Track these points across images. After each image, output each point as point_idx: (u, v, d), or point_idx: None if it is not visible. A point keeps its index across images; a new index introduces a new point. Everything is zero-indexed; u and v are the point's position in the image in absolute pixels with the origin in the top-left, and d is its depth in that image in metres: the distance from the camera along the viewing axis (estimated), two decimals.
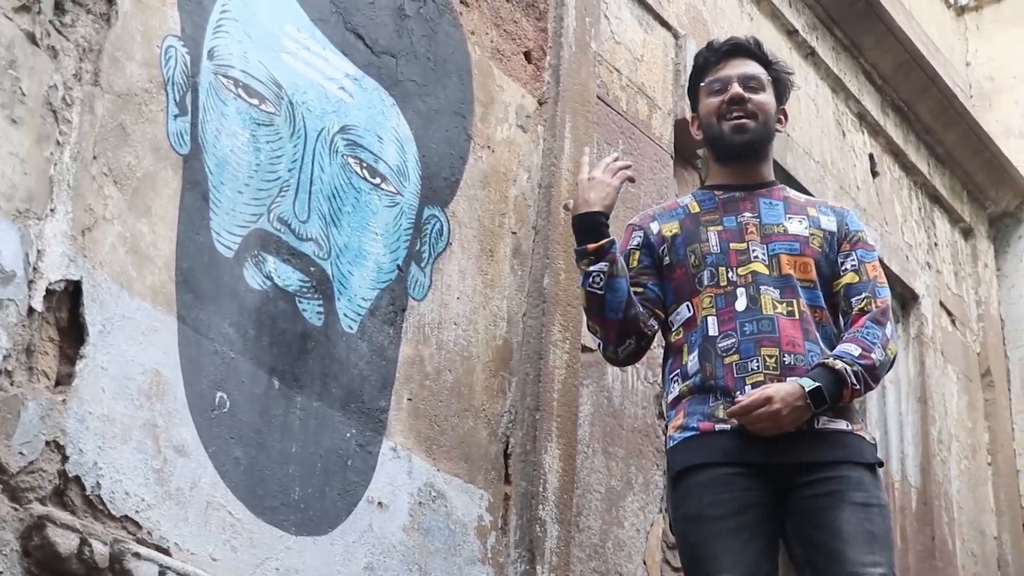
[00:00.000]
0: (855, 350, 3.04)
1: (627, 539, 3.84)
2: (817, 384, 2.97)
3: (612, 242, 3.16)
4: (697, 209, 3.27)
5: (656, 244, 3.26)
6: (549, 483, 3.56)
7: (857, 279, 3.18)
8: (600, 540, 3.74)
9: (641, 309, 3.18)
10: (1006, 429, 6.43)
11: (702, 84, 3.32)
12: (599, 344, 3.26)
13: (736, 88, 3.25)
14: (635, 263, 3.25)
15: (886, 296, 3.18)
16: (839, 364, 3.00)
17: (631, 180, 3.34)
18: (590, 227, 3.17)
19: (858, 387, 3.01)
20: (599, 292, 3.13)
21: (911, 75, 6.08)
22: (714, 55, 3.33)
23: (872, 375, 3.05)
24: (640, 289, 3.22)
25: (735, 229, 3.20)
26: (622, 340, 3.20)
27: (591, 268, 3.14)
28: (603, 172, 3.25)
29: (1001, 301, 6.79)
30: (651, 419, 4.03)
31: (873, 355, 3.05)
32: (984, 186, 6.72)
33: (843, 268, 3.20)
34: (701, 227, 3.22)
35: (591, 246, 3.15)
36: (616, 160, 3.31)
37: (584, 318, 3.35)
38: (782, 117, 3.36)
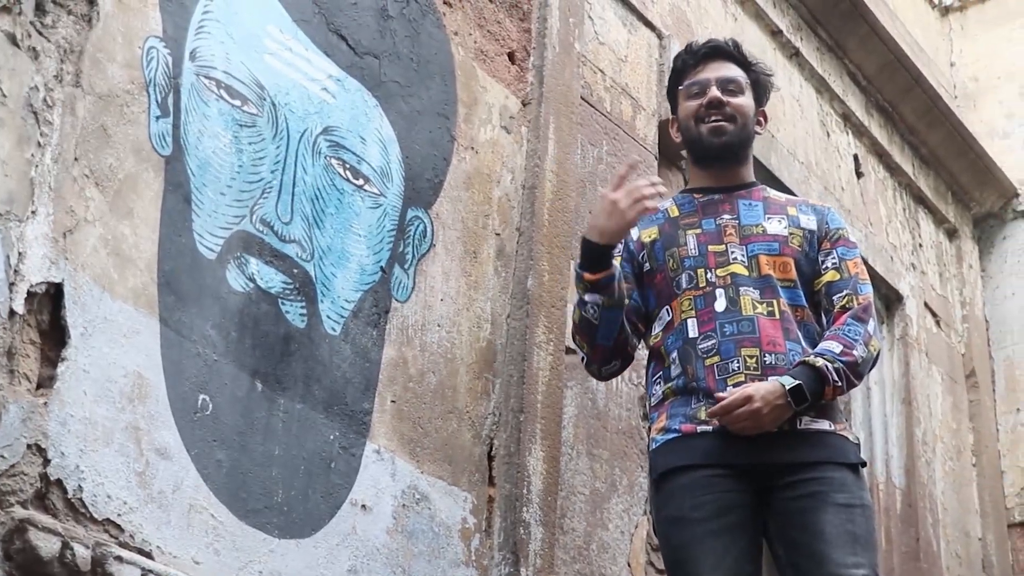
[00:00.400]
0: (837, 347, 3.03)
1: (611, 541, 3.84)
2: (798, 382, 2.96)
3: (612, 276, 3.08)
4: (676, 213, 3.26)
5: (636, 251, 3.24)
6: (533, 485, 3.56)
7: (838, 277, 3.17)
8: (584, 542, 3.73)
9: (629, 331, 3.17)
10: (990, 430, 6.45)
11: (681, 87, 3.30)
12: (583, 358, 3.24)
13: (714, 91, 3.23)
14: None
15: (868, 293, 3.17)
16: (820, 361, 2.99)
17: (649, 210, 3.14)
18: (595, 258, 3.08)
19: (840, 384, 3.00)
20: (593, 321, 3.12)
21: (895, 76, 6.09)
22: (692, 58, 3.31)
23: (855, 372, 3.04)
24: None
25: (714, 231, 3.19)
26: (608, 361, 3.21)
27: (586, 297, 3.10)
28: (626, 196, 3.08)
29: (986, 302, 6.80)
30: (635, 421, 4.03)
31: (855, 352, 3.04)
32: (969, 187, 6.73)
33: (824, 266, 3.19)
34: (680, 231, 3.21)
35: (588, 276, 3.08)
36: (652, 186, 3.11)
37: (568, 321, 3.34)
38: (762, 119, 3.34)
